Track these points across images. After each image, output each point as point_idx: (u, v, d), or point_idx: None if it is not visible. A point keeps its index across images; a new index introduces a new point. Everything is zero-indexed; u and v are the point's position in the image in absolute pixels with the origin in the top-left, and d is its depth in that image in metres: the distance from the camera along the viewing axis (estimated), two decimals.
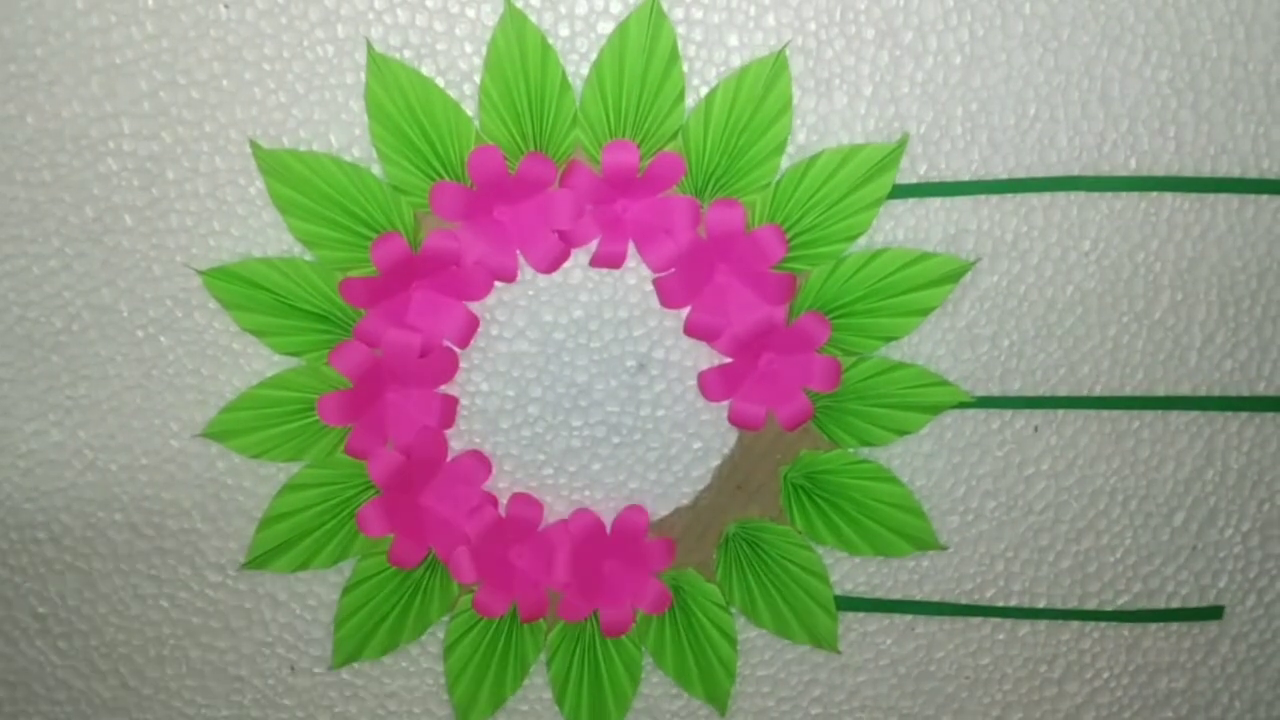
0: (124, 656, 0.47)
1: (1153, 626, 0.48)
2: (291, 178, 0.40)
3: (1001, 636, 0.48)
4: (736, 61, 0.41)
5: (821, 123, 0.42)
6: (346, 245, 0.41)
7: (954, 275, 0.42)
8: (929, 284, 0.42)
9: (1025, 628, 0.48)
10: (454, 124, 0.40)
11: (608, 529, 0.45)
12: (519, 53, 0.39)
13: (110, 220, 0.42)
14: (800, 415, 0.43)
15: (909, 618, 0.47)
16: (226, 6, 0.40)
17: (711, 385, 0.43)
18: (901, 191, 0.42)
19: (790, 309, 0.42)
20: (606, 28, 0.40)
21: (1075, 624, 0.48)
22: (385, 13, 0.40)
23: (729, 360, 0.43)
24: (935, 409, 0.44)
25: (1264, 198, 0.44)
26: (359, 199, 0.40)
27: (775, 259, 0.41)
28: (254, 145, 0.41)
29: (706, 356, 0.44)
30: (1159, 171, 0.43)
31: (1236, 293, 0.45)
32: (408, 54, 0.40)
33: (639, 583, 0.45)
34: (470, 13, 0.40)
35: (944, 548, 0.46)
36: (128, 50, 0.40)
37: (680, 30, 0.40)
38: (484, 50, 0.40)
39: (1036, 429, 0.46)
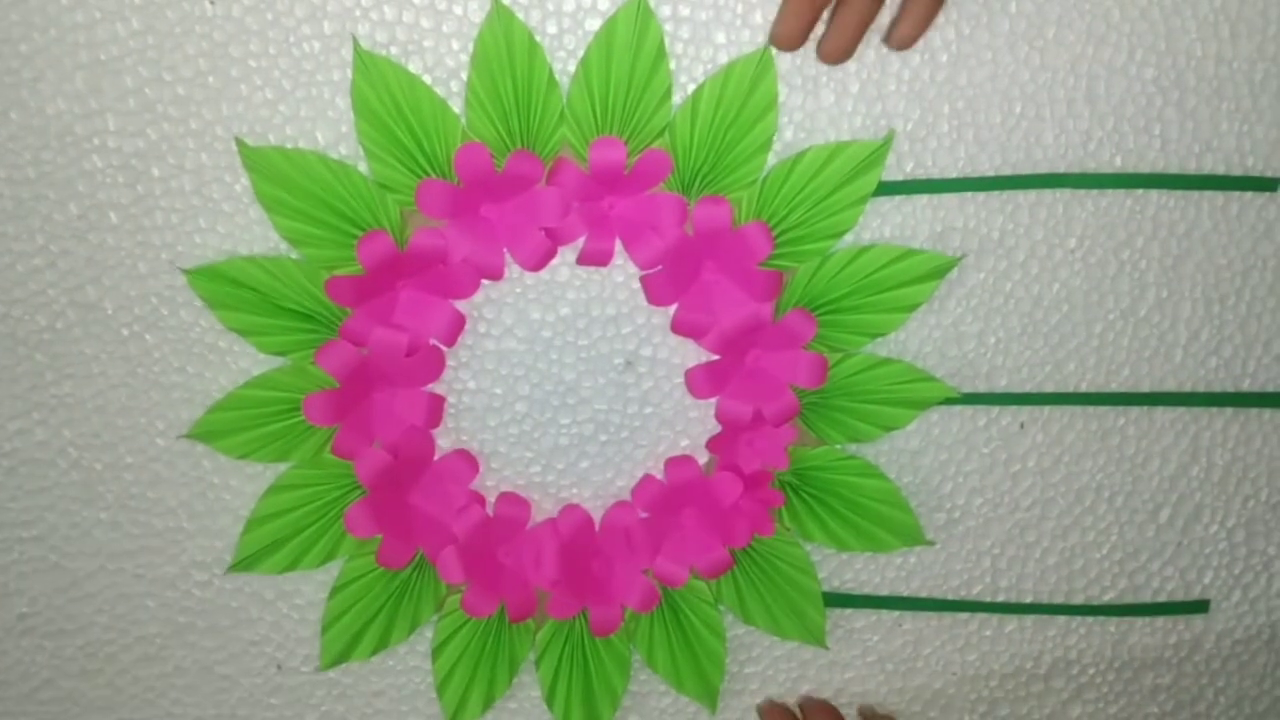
0: (110, 656, 0.47)
1: (1139, 621, 0.48)
2: (277, 175, 0.40)
3: (988, 632, 0.48)
4: (723, 59, 0.41)
5: (808, 120, 0.42)
6: (333, 243, 0.41)
7: (940, 271, 0.42)
8: (915, 280, 0.42)
9: (1012, 623, 0.48)
10: (441, 121, 0.40)
11: (596, 526, 0.45)
12: (506, 50, 0.39)
13: (95, 217, 0.42)
14: (787, 412, 0.43)
15: (896, 614, 0.47)
16: (212, 3, 0.40)
17: (698, 382, 0.43)
18: (888, 188, 0.42)
19: (777, 306, 0.42)
20: (594, 25, 0.40)
21: (1062, 619, 0.48)
22: (372, 9, 0.40)
23: (716, 357, 0.43)
24: (922, 405, 0.44)
25: (1248, 195, 0.44)
26: (345, 197, 0.40)
27: (762, 256, 0.41)
28: (240, 142, 0.41)
29: (694, 354, 0.44)
30: (1144, 169, 0.43)
31: (1221, 289, 0.45)
32: (394, 51, 0.40)
33: (628, 580, 0.45)
34: (457, 9, 0.40)
35: (931, 544, 0.47)
36: (113, 46, 0.40)
37: (667, 27, 0.40)
38: (471, 47, 0.40)
39: (1023, 425, 0.46)
